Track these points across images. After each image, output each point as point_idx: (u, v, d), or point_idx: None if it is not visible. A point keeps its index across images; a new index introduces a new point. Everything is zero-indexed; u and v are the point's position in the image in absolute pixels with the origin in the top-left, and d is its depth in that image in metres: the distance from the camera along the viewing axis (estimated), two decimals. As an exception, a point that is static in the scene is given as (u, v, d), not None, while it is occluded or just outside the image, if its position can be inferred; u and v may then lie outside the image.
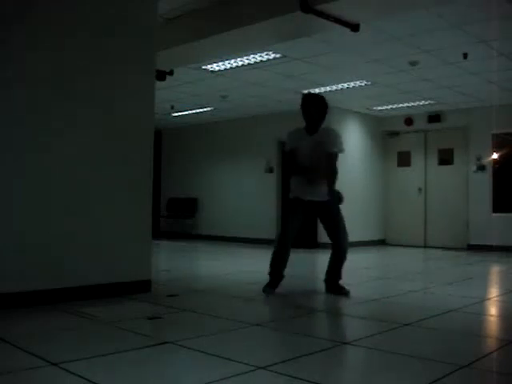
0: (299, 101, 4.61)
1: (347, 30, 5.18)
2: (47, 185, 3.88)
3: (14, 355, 2.57)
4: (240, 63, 7.08)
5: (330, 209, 4.50)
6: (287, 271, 4.66)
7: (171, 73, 6.90)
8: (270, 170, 10.87)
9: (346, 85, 8.34)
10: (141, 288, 4.34)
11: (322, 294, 4.57)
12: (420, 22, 5.51)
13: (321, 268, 7.46)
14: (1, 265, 3.60)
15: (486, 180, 9.79)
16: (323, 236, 9.72)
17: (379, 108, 10.20)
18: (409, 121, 10.69)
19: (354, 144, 10.51)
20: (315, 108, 4.51)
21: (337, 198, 4.54)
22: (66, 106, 3.99)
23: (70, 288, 3.94)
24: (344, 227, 4.52)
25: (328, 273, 4.63)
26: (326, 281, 4.63)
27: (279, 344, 2.97)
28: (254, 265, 7.18)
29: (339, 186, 4.62)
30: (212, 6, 5.54)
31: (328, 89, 8.58)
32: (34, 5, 3.85)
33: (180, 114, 10.96)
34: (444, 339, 3.11)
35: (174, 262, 7.56)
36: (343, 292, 4.48)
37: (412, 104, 9.70)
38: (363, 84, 8.25)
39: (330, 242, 4.63)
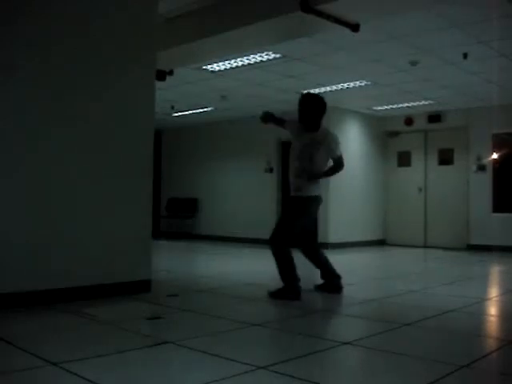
0: (299, 101, 4.61)
1: (347, 30, 5.17)
2: (47, 185, 3.88)
3: (14, 355, 2.57)
4: (240, 63, 7.08)
5: (288, 204, 4.41)
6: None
7: (171, 73, 6.90)
8: (270, 170, 10.86)
9: (346, 85, 8.34)
10: (141, 288, 4.34)
11: (322, 294, 4.57)
12: (420, 21, 5.50)
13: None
14: (1, 265, 3.60)
15: (486, 180, 9.78)
16: (324, 236, 9.74)
17: (379, 108, 10.19)
18: (409, 121, 10.68)
19: (354, 144, 10.50)
20: (315, 108, 4.49)
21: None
22: (66, 106, 3.99)
23: (70, 288, 3.93)
24: (282, 226, 4.36)
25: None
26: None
27: (279, 344, 2.96)
28: (254, 265, 7.18)
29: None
30: (212, 6, 5.54)
31: (328, 89, 8.57)
32: (34, 5, 3.85)
33: (180, 113, 10.96)
34: (444, 339, 3.12)
35: (174, 262, 7.55)
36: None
37: (412, 104, 9.70)
38: (363, 84, 8.25)
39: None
